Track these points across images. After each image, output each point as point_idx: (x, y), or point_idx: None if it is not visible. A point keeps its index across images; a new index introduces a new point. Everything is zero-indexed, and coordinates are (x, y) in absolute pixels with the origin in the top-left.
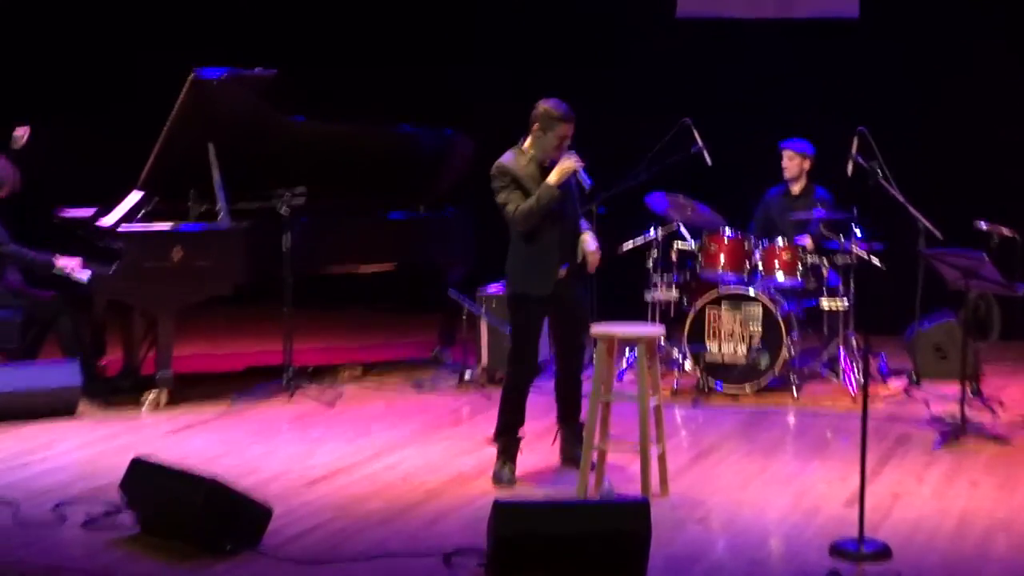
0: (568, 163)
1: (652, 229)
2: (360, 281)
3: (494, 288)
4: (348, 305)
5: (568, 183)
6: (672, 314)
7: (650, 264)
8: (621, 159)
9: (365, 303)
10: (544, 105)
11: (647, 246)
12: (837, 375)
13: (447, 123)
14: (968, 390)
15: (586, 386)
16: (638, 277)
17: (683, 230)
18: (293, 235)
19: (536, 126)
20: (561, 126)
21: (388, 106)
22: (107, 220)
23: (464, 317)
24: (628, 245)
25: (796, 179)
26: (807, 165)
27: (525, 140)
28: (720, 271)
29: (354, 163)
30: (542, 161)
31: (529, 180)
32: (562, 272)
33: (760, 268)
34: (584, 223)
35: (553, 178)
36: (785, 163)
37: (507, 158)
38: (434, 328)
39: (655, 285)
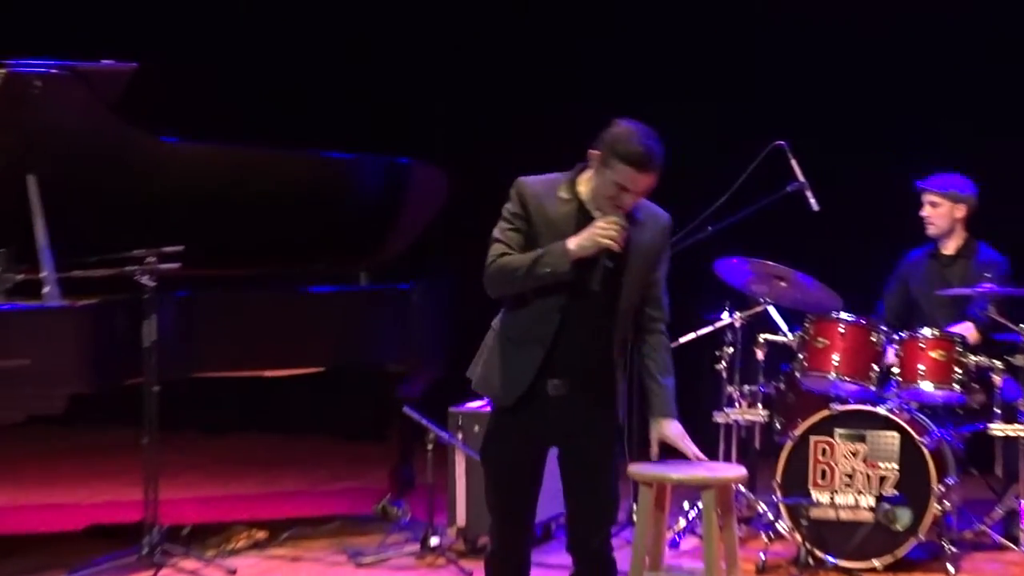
0: (606, 230)
1: (726, 312)
2: (268, 392)
3: (476, 405)
4: (249, 429)
5: (599, 265)
6: (758, 445)
7: (723, 366)
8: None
9: (275, 426)
10: (619, 129)
11: (718, 338)
12: (1017, 542)
13: (420, 152)
14: None
15: (622, 561)
16: (704, 386)
17: (774, 314)
18: (161, 320)
19: (599, 153)
20: (626, 170)
21: (316, 123)
22: None
23: (429, 449)
24: (688, 337)
25: (946, 235)
26: (961, 213)
27: (584, 170)
28: (833, 378)
29: (258, 208)
30: (591, 206)
31: (555, 225)
32: (553, 388)
33: (896, 373)
34: (665, 377)
35: (574, 243)
36: (927, 211)
37: (540, 180)
38: (383, 466)
39: (731, 399)
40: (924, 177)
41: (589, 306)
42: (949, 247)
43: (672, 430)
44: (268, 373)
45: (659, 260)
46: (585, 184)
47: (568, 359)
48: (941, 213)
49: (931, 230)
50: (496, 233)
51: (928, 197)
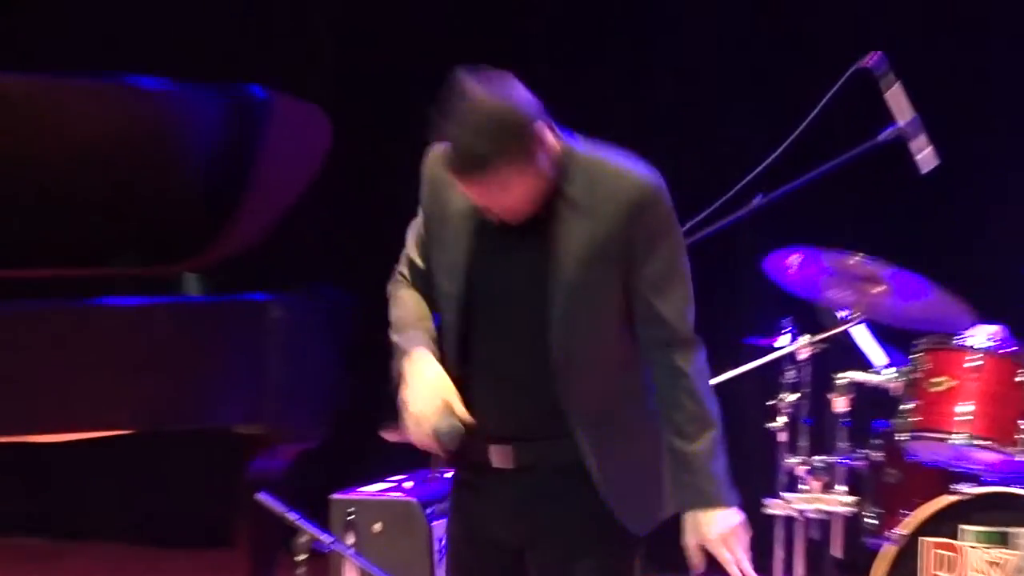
0: (417, 434)
1: (785, 335)
2: (40, 471)
3: (375, 489)
4: (9, 531)
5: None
6: (839, 552)
7: (780, 424)
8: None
9: (50, 526)
10: (449, 107)
11: (771, 378)
12: None
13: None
14: None
15: None
16: (750, 455)
17: (864, 338)
18: None
19: None
20: (456, 180)
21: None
22: None
23: (299, 559)
24: (723, 378)
25: None
26: None
27: None
28: (960, 441)
29: (12, 174)
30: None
31: (449, 228)
32: (498, 457)
33: None
34: (686, 439)
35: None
36: None
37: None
38: None
39: (793, 478)
40: None
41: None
42: None
43: (714, 528)
44: (38, 438)
45: (632, 255)
46: None
47: (504, 413)
48: None
49: None
50: (408, 232)
51: None
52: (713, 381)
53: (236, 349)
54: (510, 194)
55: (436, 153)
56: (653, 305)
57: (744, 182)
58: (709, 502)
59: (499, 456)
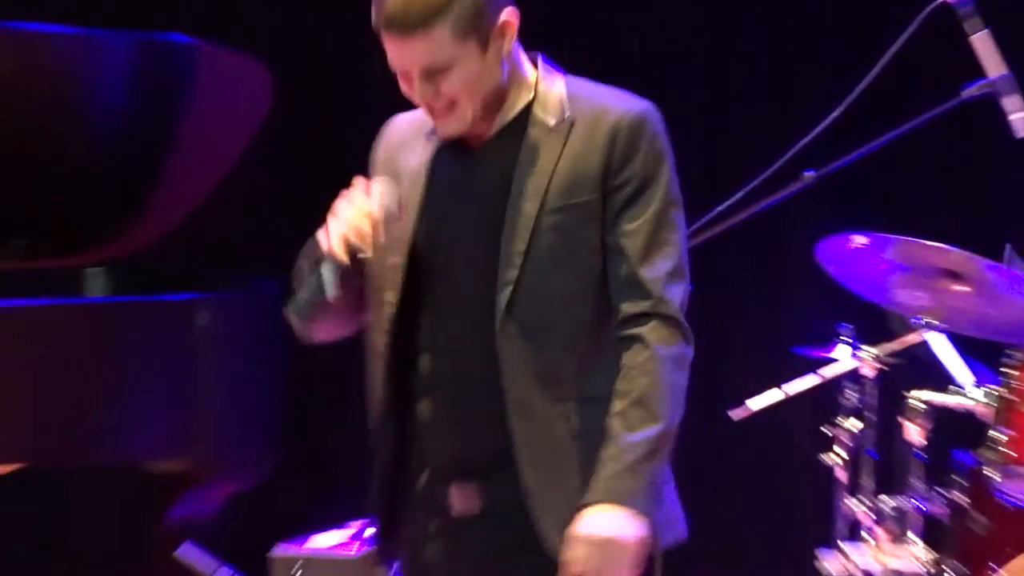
0: (340, 221)
1: (843, 345)
2: None
3: (326, 544)
4: None
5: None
6: None
7: (838, 458)
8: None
9: None
10: None
11: (826, 398)
12: None
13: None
14: None
15: None
16: (800, 496)
17: (943, 350)
18: None
19: None
20: (385, 40)
21: None
22: None
23: None
24: (766, 399)
25: None
26: None
27: None
28: None
29: None
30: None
31: (403, 187)
32: (460, 500)
33: None
34: (623, 430)
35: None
36: None
37: (415, 117)
38: None
39: (855, 525)
40: None
41: (461, 319)
42: None
43: (590, 526)
44: None
45: (611, 192)
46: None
47: (448, 443)
48: None
49: None
50: None
51: None
52: (755, 402)
53: (154, 364)
54: (444, 71)
55: (394, 124)
56: (628, 260)
57: (792, 152)
58: (610, 497)
59: (462, 498)
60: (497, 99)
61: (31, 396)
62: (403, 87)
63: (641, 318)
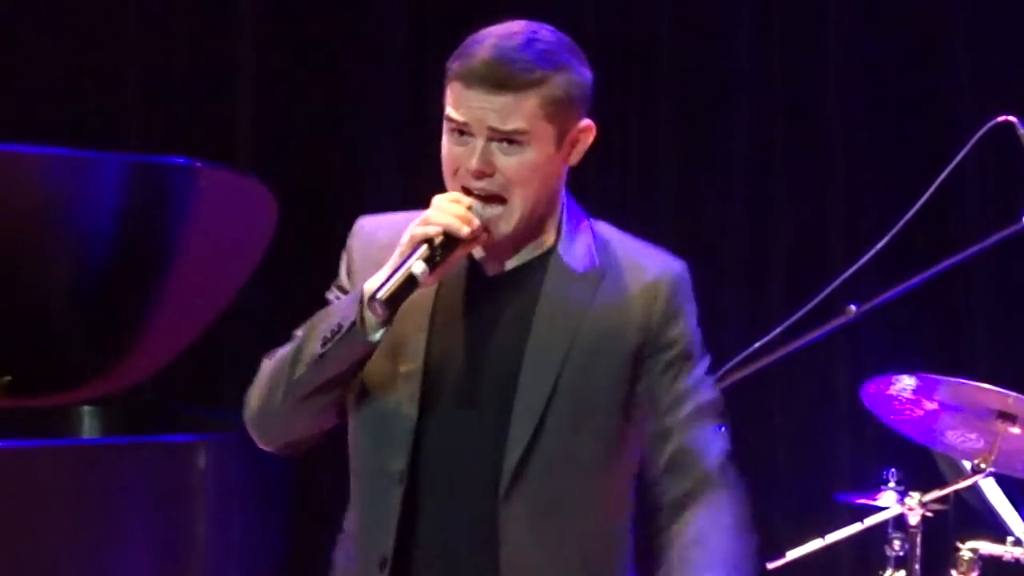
0: (440, 212)
1: (889, 490)
2: None
3: None
4: None
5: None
6: None
7: None
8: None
9: None
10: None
11: (872, 548)
12: None
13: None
14: None
15: None
16: None
17: (998, 498)
18: None
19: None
20: (453, 87)
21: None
22: None
23: None
24: (798, 552)
25: None
26: None
27: None
28: None
29: None
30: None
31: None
32: None
33: None
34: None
35: (380, 272)
36: None
37: (395, 219)
38: None
39: None
40: None
41: (466, 457)
42: None
43: None
44: None
45: (641, 353)
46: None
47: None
48: None
49: None
50: (295, 334)
51: None
52: (795, 552)
53: (149, 510)
54: (515, 144)
55: (365, 226)
56: (678, 431)
57: (835, 284)
58: None
59: None
60: (539, 218)
61: (17, 546)
62: (451, 156)
63: (702, 485)
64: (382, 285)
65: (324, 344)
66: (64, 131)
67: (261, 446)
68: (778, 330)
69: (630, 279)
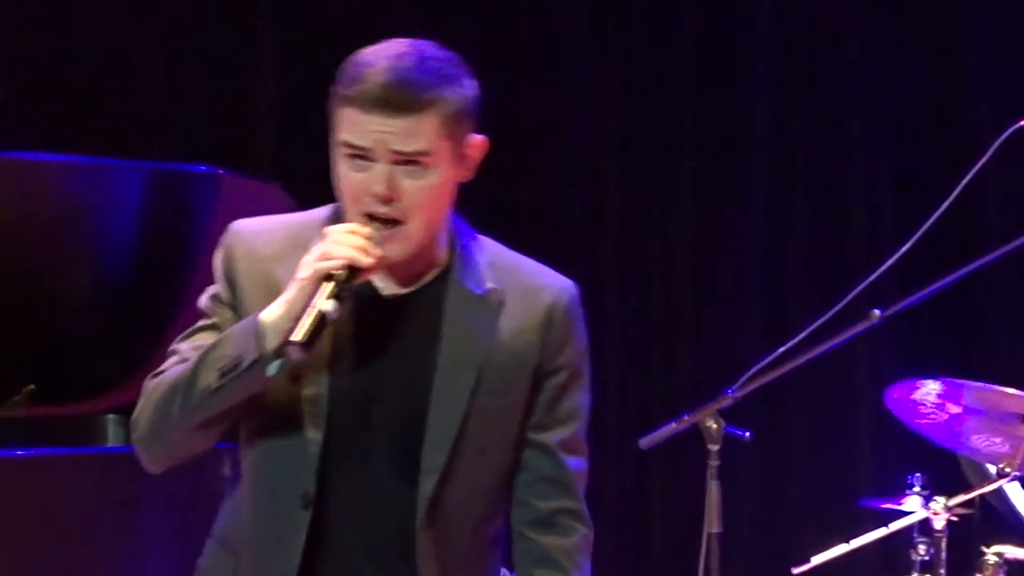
0: (338, 243)
1: (914, 496)
2: None
3: None
4: None
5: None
6: None
7: None
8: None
9: None
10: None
11: (897, 552)
12: None
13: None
14: None
15: None
16: None
17: (1017, 502)
18: None
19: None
20: (347, 113)
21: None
22: None
23: None
24: (823, 557)
25: None
26: None
27: None
28: None
29: None
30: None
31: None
32: None
33: None
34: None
35: (277, 302)
36: None
37: (278, 225)
38: None
39: None
40: None
41: (373, 481)
42: None
43: None
44: None
45: (539, 376)
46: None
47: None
48: None
49: None
50: (177, 348)
51: None
52: (821, 557)
53: (173, 519)
54: (418, 167)
55: (243, 232)
56: (553, 454)
57: (859, 288)
58: None
59: None
60: (433, 237)
61: (38, 549)
62: (352, 183)
63: (563, 515)
64: (294, 327)
65: (222, 377)
66: (85, 139)
67: (147, 467)
68: (801, 335)
69: (527, 303)
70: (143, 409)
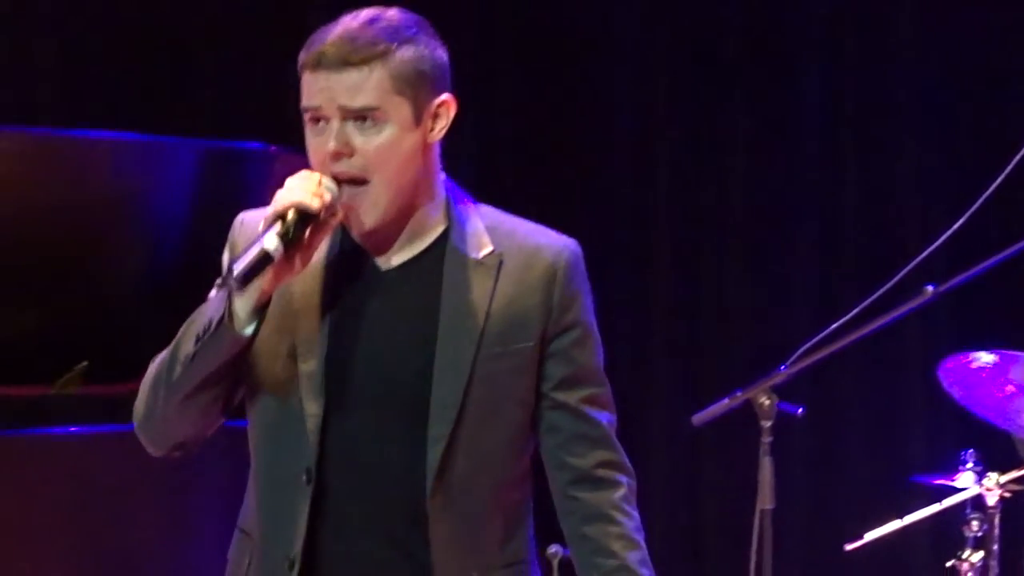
0: (292, 189)
1: (967, 471)
2: None
3: None
4: None
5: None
6: None
7: None
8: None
9: None
10: None
11: (949, 530)
12: None
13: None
14: None
15: None
16: None
17: None
18: None
19: None
20: (303, 76)
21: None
22: None
23: None
24: (876, 534)
25: None
26: None
27: None
28: None
29: None
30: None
31: (301, 298)
32: None
33: None
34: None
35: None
36: None
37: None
38: None
39: None
40: None
41: (378, 454)
42: None
43: None
44: None
45: (548, 336)
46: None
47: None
48: None
49: None
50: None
51: None
52: (874, 533)
53: (225, 496)
54: (369, 121)
55: (246, 216)
56: (577, 412)
57: (912, 265)
58: None
59: None
60: (409, 205)
61: (95, 526)
62: (313, 148)
63: (603, 468)
64: (237, 260)
65: (197, 342)
66: (138, 118)
67: (151, 452)
68: (853, 312)
69: (528, 263)
70: (140, 391)
